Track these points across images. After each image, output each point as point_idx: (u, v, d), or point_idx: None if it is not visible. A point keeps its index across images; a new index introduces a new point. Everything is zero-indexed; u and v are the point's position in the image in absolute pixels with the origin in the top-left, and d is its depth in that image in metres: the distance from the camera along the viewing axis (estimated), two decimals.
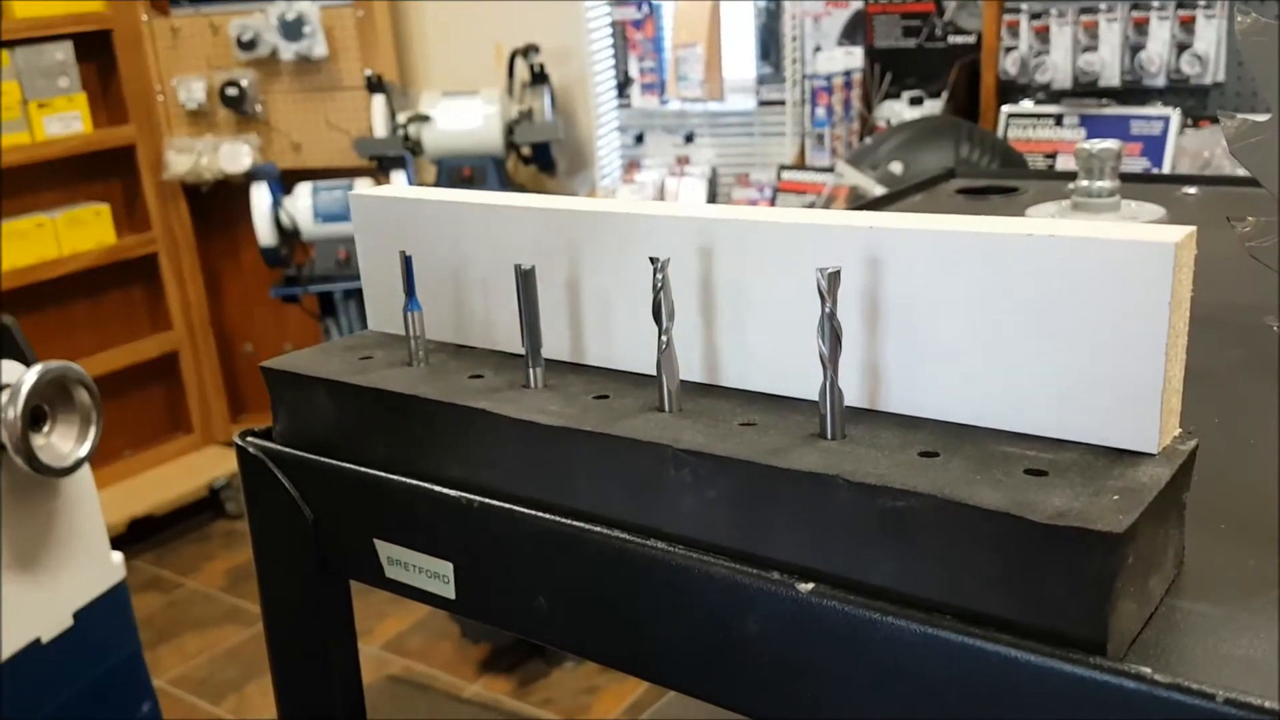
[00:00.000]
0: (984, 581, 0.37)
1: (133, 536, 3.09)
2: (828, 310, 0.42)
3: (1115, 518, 0.35)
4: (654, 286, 0.47)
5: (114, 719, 1.38)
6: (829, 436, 0.43)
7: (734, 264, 0.48)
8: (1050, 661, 0.35)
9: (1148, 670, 0.34)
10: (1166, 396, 0.39)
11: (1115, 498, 0.36)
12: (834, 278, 0.42)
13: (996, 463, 0.40)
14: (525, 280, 0.51)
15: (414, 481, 0.52)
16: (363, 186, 2.96)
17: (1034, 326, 0.40)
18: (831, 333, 0.42)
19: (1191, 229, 0.39)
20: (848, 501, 0.40)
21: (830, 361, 0.43)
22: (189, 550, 3.19)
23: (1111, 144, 0.91)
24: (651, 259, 0.47)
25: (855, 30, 2.75)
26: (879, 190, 2.06)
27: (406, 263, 0.55)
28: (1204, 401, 0.59)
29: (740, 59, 2.95)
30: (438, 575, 0.51)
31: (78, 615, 1.29)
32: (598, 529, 0.46)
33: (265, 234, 2.92)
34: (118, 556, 1.37)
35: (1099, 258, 0.38)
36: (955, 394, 0.43)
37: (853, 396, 0.46)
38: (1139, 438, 0.39)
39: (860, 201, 1.63)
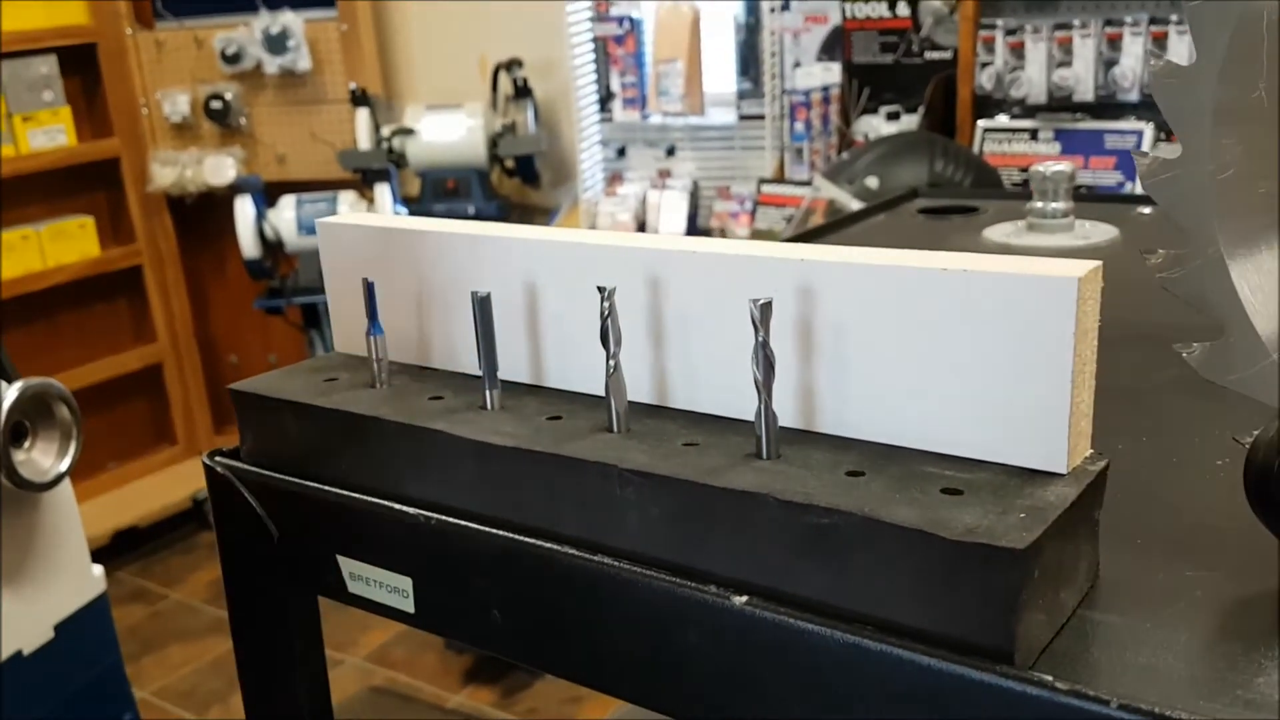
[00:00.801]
0: (903, 594, 0.40)
1: (117, 548, 3.10)
2: (760, 339, 0.44)
3: (1019, 535, 0.37)
4: (602, 313, 0.49)
5: None
6: (764, 457, 0.45)
7: (680, 292, 0.50)
8: (960, 669, 0.38)
9: (1049, 678, 0.37)
10: (1075, 420, 0.41)
11: (1022, 516, 0.39)
12: (765, 308, 0.44)
13: (917, 482, 0.42)
14: (481, 307, 0.53)
15: (374, 499, 0.54)
16: (347, 199, 2.98)
17: (952, 354, 0.43)
18: (765, 360, 0.45)
19: (1097, 264, 0.41)
20: (777, 519, 0.42)
21: (764, 387, 0.45)
22: (173, 562, 3.20)
23: (1064, 166, 0.94)
24: (599, 287, 0.49)
25: (834, 46, 2.78)
26: (855, 204, 2.09)
27: (369, 289, 0.57)
28: (1134, 418, 0.62)
29: (720, 74, 2.98)
30: (397, 590, 0.53)
31: (58, 628, 1.31)
32: (548, 545, 0.48)
33: (249, 246, 2.94)
34: (98, 570, 1.38)
35: (1009, 291, 0.41)
36: (882, 416, 0.46)
37: (790, 418, 0.48)
38: (1049, 459, 0.42)
39: (835, 216, 1.66)
